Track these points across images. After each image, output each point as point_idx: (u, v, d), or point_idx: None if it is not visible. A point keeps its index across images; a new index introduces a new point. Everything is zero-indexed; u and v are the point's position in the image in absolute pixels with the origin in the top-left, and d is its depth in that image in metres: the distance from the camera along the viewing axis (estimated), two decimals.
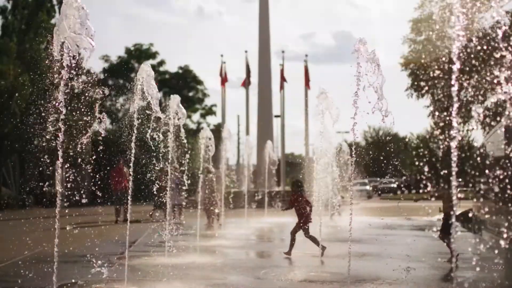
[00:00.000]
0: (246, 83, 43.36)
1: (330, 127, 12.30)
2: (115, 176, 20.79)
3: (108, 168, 19.58)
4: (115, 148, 11.89)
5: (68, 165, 7.20)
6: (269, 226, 20.23)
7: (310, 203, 12.82)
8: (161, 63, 58.50)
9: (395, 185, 58.87)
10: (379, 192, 55.91)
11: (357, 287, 8.77)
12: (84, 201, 8.92)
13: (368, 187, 50.68)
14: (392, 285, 9.13)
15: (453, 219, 11.41)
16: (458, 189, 5.07)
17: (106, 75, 54.50)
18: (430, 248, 11.52)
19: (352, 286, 8.68)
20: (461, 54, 4.88)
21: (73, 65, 6.82)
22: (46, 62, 6.78)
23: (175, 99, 12.43)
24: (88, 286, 8.58)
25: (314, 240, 12.19)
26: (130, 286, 8.55)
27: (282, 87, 42.89)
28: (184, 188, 18.14)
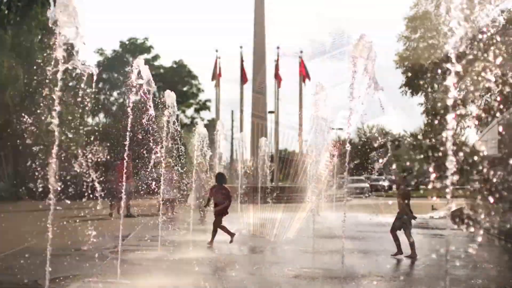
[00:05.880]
0: (241, 79, 43.24)
1: (324, 124, 12.32)
2: (118, 170, 20.75)
3: (100, 160, 19.49)
4: (115, 142, 11.86)
5: (63, 158, 7.18)
6: (262, 222, 20.24)
7: (230, 197, 13.33)
8: (156, 57, 58.35)
9: (384, 183, 58.38)
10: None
11: (350, 283, 8.80)
12: (77, 194, 8.88)
13: (366, 184, 48.42)
14: (385, 281, 9.17)
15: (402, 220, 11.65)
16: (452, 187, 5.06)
17: (100, 68, 54.44)
18: (423, 245, 11.58)
19: (345, 282, 8.71)
20: (456, 51, 4.88)
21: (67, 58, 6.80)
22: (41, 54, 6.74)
23: (170, 96, 12.35)
24: (81, 280, 8.56)
25: (224, 229, 13.04)
26: (123, 280, 8.55)
27: (279, 85, 42.88)
28: (176, 183, 18.07)
